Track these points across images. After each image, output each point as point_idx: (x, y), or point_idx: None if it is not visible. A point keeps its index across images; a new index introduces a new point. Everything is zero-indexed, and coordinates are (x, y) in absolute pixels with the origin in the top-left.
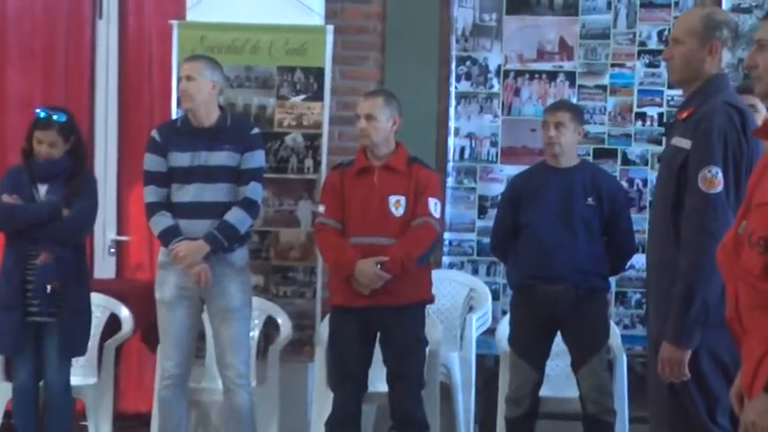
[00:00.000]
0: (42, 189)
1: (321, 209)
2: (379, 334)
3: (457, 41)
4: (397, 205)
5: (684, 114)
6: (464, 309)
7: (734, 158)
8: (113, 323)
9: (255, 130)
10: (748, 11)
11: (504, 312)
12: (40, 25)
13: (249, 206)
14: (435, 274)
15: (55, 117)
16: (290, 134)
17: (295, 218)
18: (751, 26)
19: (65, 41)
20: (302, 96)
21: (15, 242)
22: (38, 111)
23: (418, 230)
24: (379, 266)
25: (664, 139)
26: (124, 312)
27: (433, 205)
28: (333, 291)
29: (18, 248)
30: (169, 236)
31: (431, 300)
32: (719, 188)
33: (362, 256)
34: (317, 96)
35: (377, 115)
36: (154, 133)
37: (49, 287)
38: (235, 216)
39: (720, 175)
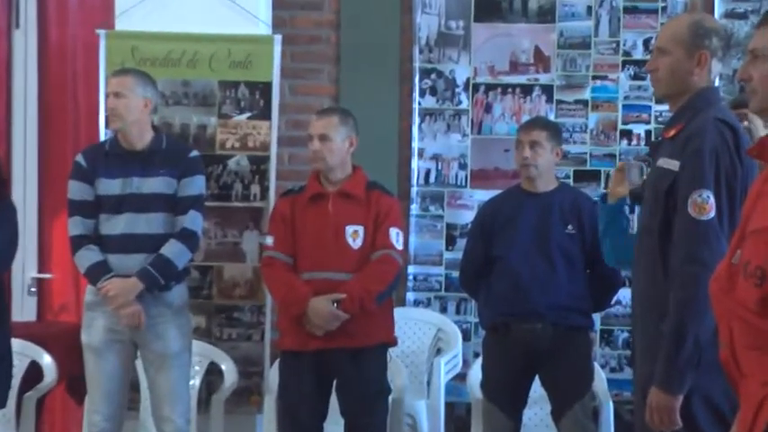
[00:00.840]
0: None
1: (269, 241)
2: (335, 381)
3: (420, 52)
4: (355, 236)
5: (671, 132)
6: (431, 351)
7: (727, 181)
8: (34, 372)
9: (194, 153)
10: (743, 16)
11: (476, 355)
12: None
13: (188, 238)
14: (398, 312)
15: None
16: (234, 157)
17: (240, 251)
18: (746, 33)
19: None
20: (247, 114)
21: None
22: None
23: (378, 264)
24: (334, 305)
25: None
26: (46, 360)
27: (395, 236)
28: (283, 333)
29: None
30: (97, 273)
31: (393, 342)
32: (711, 214)
33: (316, 294)
34: (264, 114)
35: (332, 135)
36: (79, 158)
37: None
38: (172, 250)
39: (712, 199)
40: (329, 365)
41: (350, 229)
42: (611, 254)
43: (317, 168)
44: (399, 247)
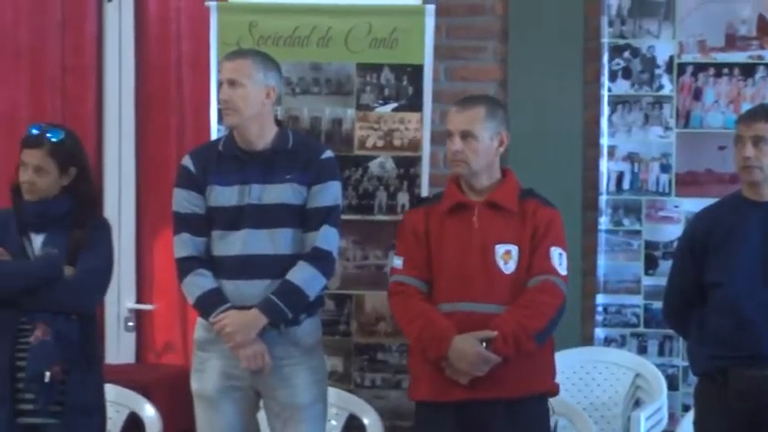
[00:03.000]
0: (37, 240)
1: (398, 263)
2: None
3: (610, 24)
4: (507, 258)
5: None
6: (628, 403)
7: None
8: (133, 426)
9: (328, 154)
10: None
11: (685, 408)
12: (24, 14)
13: (321, 260)
14: (585, 353)
15: (49, 135)
16: (377, 158)
17: (385, 276)
18: None
19: (60, 35)
20: (392, 105)
21: (1, 312)
22: (31, 127)
23: (537, 294)
24: (483, 344)
25: None
26: (148, 411)
27: (557, 257)
28: (416, 379)
29: (5, 321)
30: (210, 303)
31: (555, 391)
32: None
33: (459, 330)
34: (414, 105)
35: (477, 132)
36: (186, 161)
37: (47, 375)
38: (301, 274)
39: None
40: (478, 422)
41: (500, 250)
42: None
43: (457, 173)
44: (563, 271)
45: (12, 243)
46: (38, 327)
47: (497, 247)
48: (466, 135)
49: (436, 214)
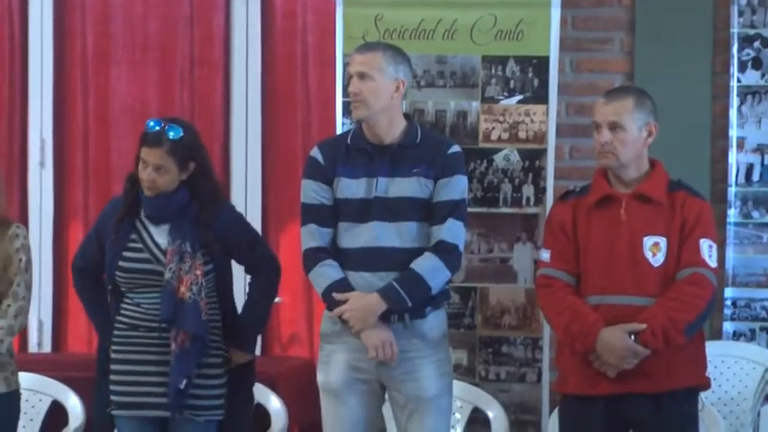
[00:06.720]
0: (160, 232)
1: (545, 256)
2: None
3: (740, 14)
4: (655, 250)
5: None
6: (757, 398)
7: None
8: (260, 418)
9: (455, 148)
10: None
11: None
12: (153, 9)
13: (446, 253)
14: (713, 347)
15: (168, 131)
16: (502, 151)
17: (509, 269)
18: None
19: (189, 29)
20: (518, 98)
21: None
22: (149, 122)
23: (686, 286)
24: (631, 337)
25: None
26: (274, 404)
27: (707, 249)
28: (565, 372)
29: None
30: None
31: (706, 385)
32: None
33: (607, 323)
34: (539, 97)
35: (625, 124)
36: (315, 152)
37: (183, 382)
38: (426, 266)
39: None
40: (625, 414)
41: (649, 242)
42: None
43: (605, 165)
44: (713, 264)
45: (123, 229)
46: (179, 334)
47: (645, 239)
48: (614, 126)
49: (583, 207)
